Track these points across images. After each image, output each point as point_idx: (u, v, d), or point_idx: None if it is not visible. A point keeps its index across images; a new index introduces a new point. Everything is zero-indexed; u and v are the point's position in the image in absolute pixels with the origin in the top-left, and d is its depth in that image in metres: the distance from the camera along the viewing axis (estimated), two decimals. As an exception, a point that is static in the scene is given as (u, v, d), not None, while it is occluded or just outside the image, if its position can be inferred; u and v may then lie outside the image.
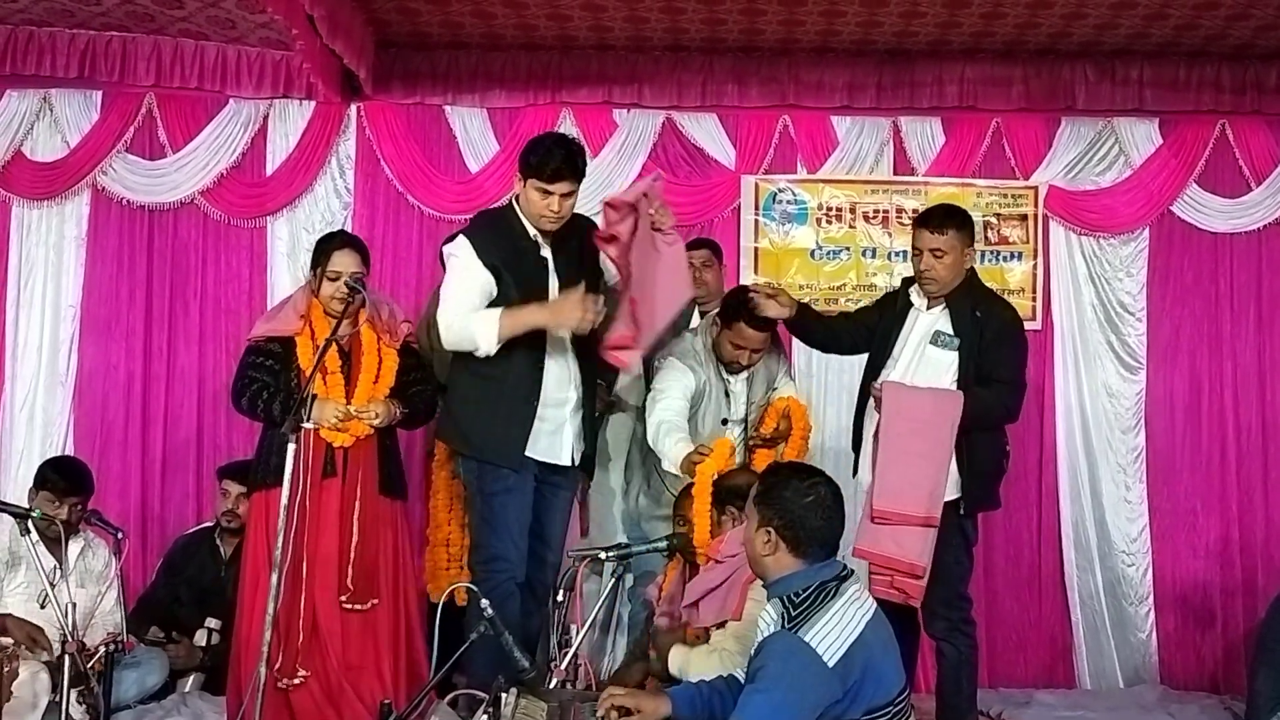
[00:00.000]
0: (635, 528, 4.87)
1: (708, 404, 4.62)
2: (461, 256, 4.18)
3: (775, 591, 3.00)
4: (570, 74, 6.03)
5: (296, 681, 4.18)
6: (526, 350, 4.17)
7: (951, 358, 4.24)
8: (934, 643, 4.40)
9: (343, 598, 4.30)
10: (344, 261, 4.43)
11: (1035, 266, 6.00)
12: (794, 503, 2.99)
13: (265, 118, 6.03)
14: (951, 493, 4.20)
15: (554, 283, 4.23)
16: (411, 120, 6.08)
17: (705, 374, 4.60)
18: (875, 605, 3.03)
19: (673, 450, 4.37)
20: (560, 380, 4.27)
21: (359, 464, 4.37)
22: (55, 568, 4.50)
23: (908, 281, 4.51)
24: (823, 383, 5.87)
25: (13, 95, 5.97)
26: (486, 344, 4.08)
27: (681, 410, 4.51)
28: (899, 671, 3.00)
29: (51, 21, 5.84)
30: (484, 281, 4.15)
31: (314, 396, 4.32)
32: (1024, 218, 6.02)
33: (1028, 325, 5.08)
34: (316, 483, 4.25)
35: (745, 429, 4.71)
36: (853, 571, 3.13)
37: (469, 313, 4.12)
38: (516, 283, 4.16)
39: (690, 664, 3.73)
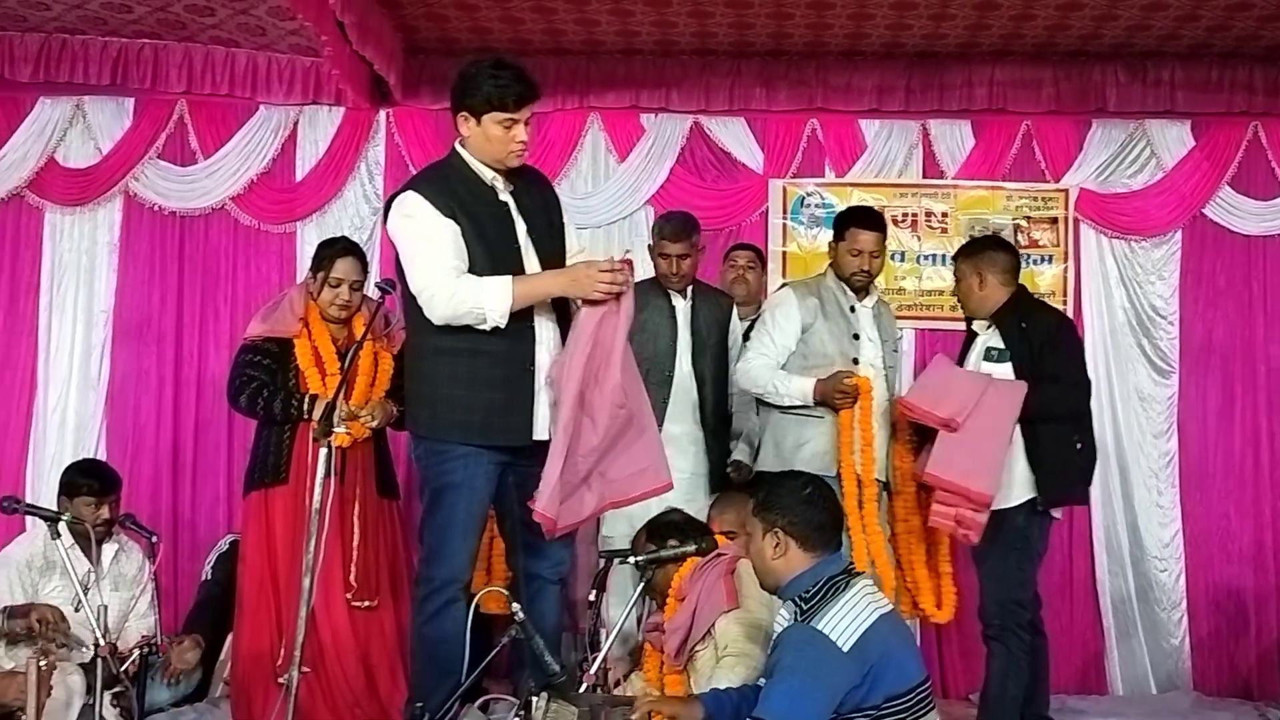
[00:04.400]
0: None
1: (826, 322, 4.54)
2: (419, 215, 3.68)
3: (786, 594, 3.12)
4: (598, 78, 6.04)
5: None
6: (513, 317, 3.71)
7: (1006, 369, 4.33)
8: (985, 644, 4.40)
9: (348, 595, 4.34)
10: (345, 268, 4.49)
11: (1066, 270, 5.97)
12: (794, 500, 3.15)
13: (295, 124, 6.08)
14: (1024, 493, 4.23)
15: (521, 228, 3.82)
16: (440, 126, 6.05)
17: (814, 291, 4.60)
18: (890, 605, 3.14)
19: (798, 382, 4.43)
20: (546, 348, 3.81)
21: (356, 464, 4.40)
22: (89, 571, 4.51)
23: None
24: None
25: (46, 103, 6.03)
26: (497, 315, 3.62)
27: (780, 351, 4.54)
28: (919, 664, 3.08)
29: (84, 29, 5.89)
30: (453, 235, 3.67)
31: (314, 396, 4.37)
32: (1054, 221, 5.98)
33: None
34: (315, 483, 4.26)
35: (887, 383, 4.58)
36: (862, 572, 3.28)
37: (464, 278, 3.64)
38: (479, 232, 3.71)
39: (715, 681, 3.73)
